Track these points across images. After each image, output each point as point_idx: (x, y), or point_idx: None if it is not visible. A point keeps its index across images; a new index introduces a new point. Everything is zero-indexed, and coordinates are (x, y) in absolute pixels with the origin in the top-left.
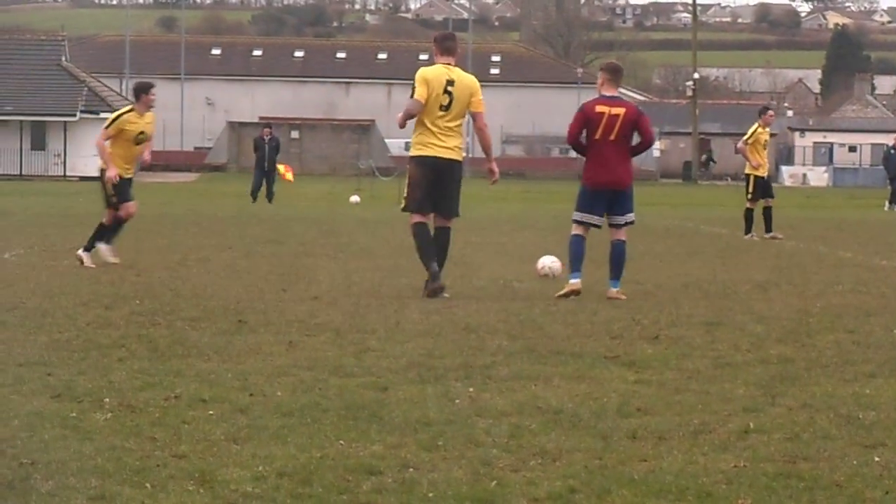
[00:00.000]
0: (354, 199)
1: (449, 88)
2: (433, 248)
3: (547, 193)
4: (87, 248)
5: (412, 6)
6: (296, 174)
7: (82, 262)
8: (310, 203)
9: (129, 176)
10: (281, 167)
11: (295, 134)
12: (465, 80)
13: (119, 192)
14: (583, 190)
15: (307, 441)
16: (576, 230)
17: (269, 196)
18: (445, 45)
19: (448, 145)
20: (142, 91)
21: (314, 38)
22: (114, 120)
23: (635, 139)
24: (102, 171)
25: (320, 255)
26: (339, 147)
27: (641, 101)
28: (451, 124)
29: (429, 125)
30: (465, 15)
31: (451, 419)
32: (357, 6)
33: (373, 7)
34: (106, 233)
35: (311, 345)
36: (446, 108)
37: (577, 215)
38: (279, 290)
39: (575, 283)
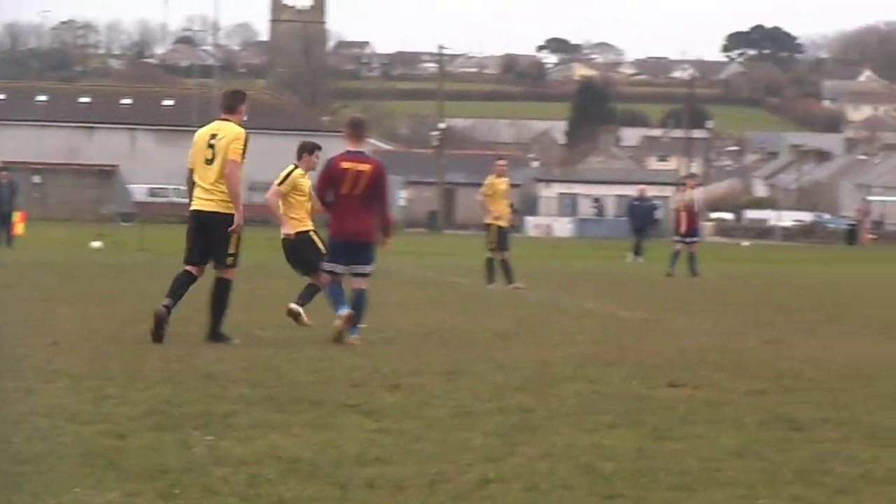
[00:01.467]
0: (96, 244)
1: (212, 142)
2: (181, 291)
3: None
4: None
5: (157, 51)
6: (35, 219)
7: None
8: (50, 248)
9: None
10: (16, 215)
11: (37, 178)
12: (228, 131)
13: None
14: (329, 241)
15: (42, 489)
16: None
17: (8, 240)
18: (222, 103)
19: (212, 198)
20: (307, 150)
21: (57, 82)
22: (286, 176)
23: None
24: (296, 234)
25: (59, 300)
26: (82, 192)
27: (387, 150)
28: (217, 177)
29: (197, 180)
30: (211, 61)
31: (189, 467)
32: (101, 50)
33: (117, 52)
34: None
35: (48, 391)
36: (210, 161)
37: (324, 265)
38: (16, 336)
39: (343, 313)
